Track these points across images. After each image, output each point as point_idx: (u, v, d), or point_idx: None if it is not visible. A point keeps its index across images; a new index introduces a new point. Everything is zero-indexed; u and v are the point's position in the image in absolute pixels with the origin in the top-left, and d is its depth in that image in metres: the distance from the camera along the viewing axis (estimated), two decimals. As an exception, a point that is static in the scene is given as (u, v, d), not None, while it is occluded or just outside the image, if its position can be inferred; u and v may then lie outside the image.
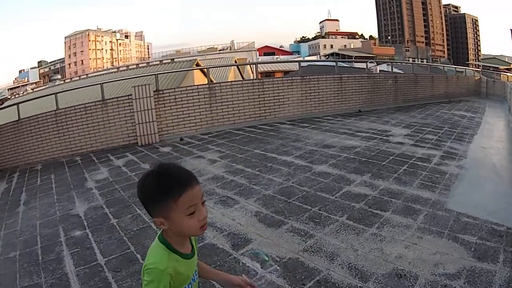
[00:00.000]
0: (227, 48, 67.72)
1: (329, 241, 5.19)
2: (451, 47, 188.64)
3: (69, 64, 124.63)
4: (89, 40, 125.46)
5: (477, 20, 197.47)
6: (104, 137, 12.14)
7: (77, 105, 12.31)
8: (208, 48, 70.12)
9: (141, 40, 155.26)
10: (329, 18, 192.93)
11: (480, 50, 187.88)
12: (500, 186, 7.81)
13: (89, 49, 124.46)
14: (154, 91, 12.32)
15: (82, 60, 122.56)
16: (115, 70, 40.38)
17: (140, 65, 41.36)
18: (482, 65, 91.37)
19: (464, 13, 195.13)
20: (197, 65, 27.18)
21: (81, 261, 5.14)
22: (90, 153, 11.90)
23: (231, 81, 16.30)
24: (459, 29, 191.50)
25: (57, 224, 6.59)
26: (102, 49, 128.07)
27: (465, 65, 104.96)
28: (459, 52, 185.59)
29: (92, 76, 37.57)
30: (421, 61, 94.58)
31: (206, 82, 14.00)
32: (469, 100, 24.50)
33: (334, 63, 19.44)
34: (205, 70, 17.48)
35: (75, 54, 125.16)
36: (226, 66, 36.74)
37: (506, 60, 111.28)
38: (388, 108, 18.05)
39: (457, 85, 26.07)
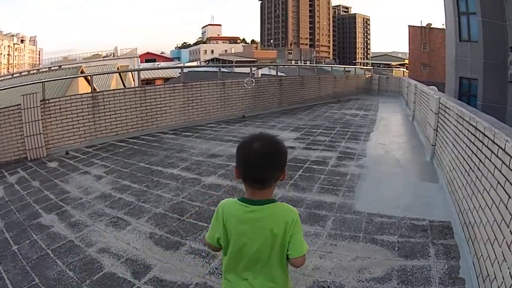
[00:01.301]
0: (110, 55, 66.85)
1: (235, 260, 4.78)
2: (337, 48, 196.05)
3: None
4: None
5: (368, 20, 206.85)
6: None
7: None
8: (93, 55, 69.06)
9: (34, 45, 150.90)
10: (212, 23, 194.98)
11: (369, 49, 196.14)
12: (408, 179, 7.88)
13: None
14: (41, 101, 11.49)
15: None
16: (10, 76, 38.78)
17: (31, 72, 39.84)
18: (371, 63, 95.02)
19: (355, 13, 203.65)
20: (82, 72, 26.35)
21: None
22: None
23: (113, 89, 15.57)
24: (348, 29, 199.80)
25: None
26: (1, 54, 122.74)
27: (353, 64, 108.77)
28: (345, 52, 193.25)
29: None
30: (304, 63, 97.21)
31: (90, 90, 13.27)
32: (359, 99, 25.26)
33: (217, 69, 19.31)
34: (89, 78, 16.80)
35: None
36: (109, 73, 36.02)
37: (400, 56, 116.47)
38: (273, 112, 18.03)
39: (346, 84, 26.79)
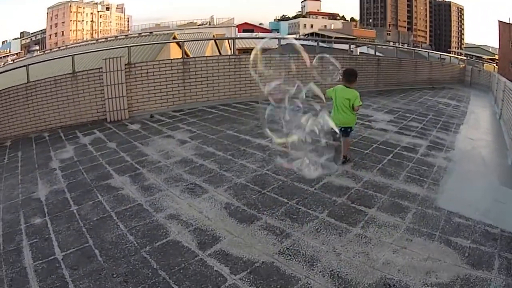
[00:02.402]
0: (206, 23, 67.16)
1: (308, 243, 4.68)
2: (434, 34, 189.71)
3: (50, 35, 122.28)
4: (71, 11, 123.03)
5: (462, 9, 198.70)
6: (73, 112, 11.44)
7: (47, 78, 11.50)
8: (187, 23, 69.65)
9: (122, 12, 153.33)
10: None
11: (463, 39, 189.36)
12: (491, 182, 7.41)
13: (70, 20, 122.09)
14: (125, 65, 11.65)
15: (62, 32, 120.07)
16: (94, 42, 39.53)
17: (119, 38, 40.38)
18: (465, 54, 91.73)
19: (450, 1, 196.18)
20: (174, 38, 26.33)
21: (39, 254, 4.62)
22: (59, 128, 11.23)
23: (206, 56, 15.65)
24: (443, 16, 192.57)
25: (19, 209, 6.04)
26: (83, 20, 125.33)
27: (447, 53, 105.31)
28: (441, 40, 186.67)
29: (70, 47, 36.63)
30: (402, 45, 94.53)
31: (181, 56, 13.37)
32: (452, 88, 24.19)
33: (315, 43, 18.99)
34: (181, 44, 16.89)
35: (56, 25, 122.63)
36: (203, 40, 35.73)
37: (490, 50, 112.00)
38: (369, 91, 17.56)
39: (441, 71, 25.80)
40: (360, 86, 16.85)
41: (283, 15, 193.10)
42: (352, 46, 22.64)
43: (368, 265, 4.24)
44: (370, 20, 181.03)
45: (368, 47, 29.56)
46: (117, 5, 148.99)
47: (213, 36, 42.42)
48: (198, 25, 64.50)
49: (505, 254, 4.62)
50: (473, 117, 14.29)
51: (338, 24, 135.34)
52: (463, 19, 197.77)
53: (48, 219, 5.48)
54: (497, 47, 61.62)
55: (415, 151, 8.71)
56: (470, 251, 4.63)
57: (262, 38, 42.54)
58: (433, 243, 4.77)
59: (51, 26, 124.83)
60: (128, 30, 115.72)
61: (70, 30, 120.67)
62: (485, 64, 46.40)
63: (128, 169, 7.24)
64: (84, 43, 41.09)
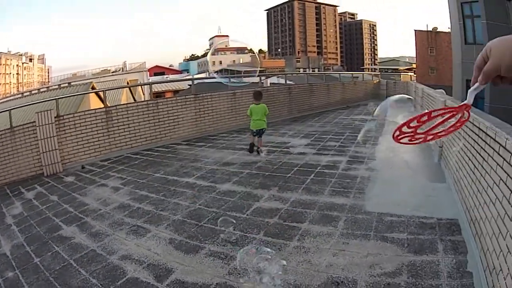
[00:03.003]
0: (119, 70, 67.11)
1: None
2: (345, 54, 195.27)
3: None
4: (0, 64, 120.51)
5: (375, 25, 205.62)
6: (14, 168, 11.17)
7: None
8: (102, 70, 69.45)
9: (43, 63, 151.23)
10: (219, 34, 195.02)
11: (377, 54, 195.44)
12: (417, 180, 7.99)
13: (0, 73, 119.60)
14: (55, 117, 11.68)
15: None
16: (20, 95, 38.93)
17: (41, 90, 40.10)
18: (379, 68, 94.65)
19: (361, 20, 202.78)
20: (93, 88, 26.44)
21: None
22: (4, 185, 11.13)
23: (126, 104, 15.77)
24: (355, 35, 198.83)
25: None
26: (10, 73, 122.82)
27: (361, 70, 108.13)
28: (353, 58, 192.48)
29: (1, 102, 35.95)
30: (312, 70, 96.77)
31: (103, 106, 13.44)
32: (367, 104, 25.25)
33: (226, 80, 19.41)
34: (101, 93, 16.97)
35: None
36: (120, 88, 36.01)
37: (407, 60, 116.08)
38: (283, 120, 18.20)
39: (354, 90, 26.95)
40: (273, 116, 17.43)
41: (192, 55, 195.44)
42: (262, 78, 23.17)
43: (313, 269, 4.62)
44: (279, 50, 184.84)
45: (278, 77, 30.33)
46: (38, 56, 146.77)
47: (127, 82, 42.66)
48: (112, 72, 64.39)
49: (447, 238, 5.17)
50: (392, 127, 14.87)
51: (247, 58, 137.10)
52: (375, 34, 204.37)
53: (18, 272, 5.53)
54: (415, 56, 64.17)
55: (336, 167, 9.31)
56: (409, 241, 5.13)
57: (175, 80, 43.19)
58: (370, 241, 5.22)
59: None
60: (49, 81, 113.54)
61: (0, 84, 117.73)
62: (402, 75, 48.17)
63: (74, 219, 7.37)
64: (11, 98, 40.40)
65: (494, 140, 4.35)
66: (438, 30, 59.22)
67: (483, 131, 5.00)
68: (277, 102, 18.73)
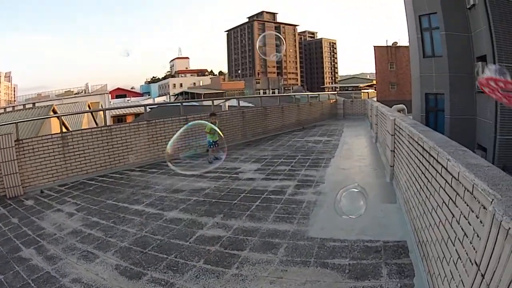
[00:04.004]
0: (82, 91, 67.77)
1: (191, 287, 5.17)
2: (305, 73, 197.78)
3: None
4: None
5: (335, 43, 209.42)
6: None
7: None
8: (65, 92, 70.36)
9: (9, 81, 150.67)
10: (180, 56, 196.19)
11: (337, 72, 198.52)
12: (368, 202, 7.92)
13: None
14: (15, 141, 11.67)
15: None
16: None
17: (7, 110, 40.57)
18: (340, 87, 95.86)
19: (321, 38, 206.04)
20: (54, 111, 26.85)
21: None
22: None
23: (81, 129, 15.69)
24: (315, 54, 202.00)
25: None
26: None
27: (321, 89, 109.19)
28: (313, 77, 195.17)
29: None
30: (272, 92, 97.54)
31: (59, 131, 13.44)
32: (324, 124, 25.59)
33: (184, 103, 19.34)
34: (59, 118, 16.92)
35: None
36: (78, 113, 36.63)
37: (368, 77, 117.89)
38: (237, 145, 18.19)
39: (310, 111, 27.10)
40: (227, 140, 17.31)
41: (153, 77, 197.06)
42: (221, 101, 23.29)
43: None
44: (239, 71, 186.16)
45: (237, 99, 30.53)
46: (5, 73, 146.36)
47: (88, 105, 43.20)
48: (75, 94, 65.07)
49: (393, 261, 5.18)
50: (346, 148, 15.23)
51: (207, 80, 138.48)
52: (335, 53, 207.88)
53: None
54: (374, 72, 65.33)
55: (283, 192, 9.37)
56: (350, 267, 5.12)
57: (131, 106, 43.32)
58: (309, 268, 5.20)
59: None
60: (15, 100, 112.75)
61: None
62: (362, 92, 48.82)
63: (32, 242, 7.65)
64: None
65: (437, 161, 4.36)
66: (398, 45, 60.38)
67: (426, 150, 5.02)
68: (231, 127, 18.75)
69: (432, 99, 22.10)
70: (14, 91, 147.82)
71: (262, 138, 19.99)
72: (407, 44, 35.45)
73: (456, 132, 18.44)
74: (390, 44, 61.67)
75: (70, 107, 42.48)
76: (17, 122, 12.65)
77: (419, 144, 5.66)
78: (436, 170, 4.38)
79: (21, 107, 41.86)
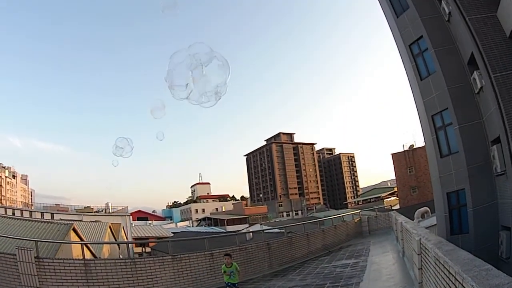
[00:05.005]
0: (102, 210, 68.25)
1: None
2: (327, 190, 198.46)
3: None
4: None
5: (353, 157, 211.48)
6: None
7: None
8: (85, 207, 70.95)
9: (26, 184, 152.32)
10: (200, 181, 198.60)
11: (358, 185, 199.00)
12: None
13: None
14: (35, 257, 11.84)
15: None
16: (3, 211, 39.26)
17: (24, 213, 41.52)
18: (362, 200, 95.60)
19: (339, 154, 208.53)
20: (74, 229, 26.83)
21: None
22: None
23: (104, 260, 15.81)
24: (334, 170, 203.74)
25: None
26: None
27: (344, 206, 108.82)
28: (335, 194, 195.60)
29: None
30: (295, 213, 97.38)
31: (82, 256, 13.71)
32: (350, 245, 25.27)
33: (208, 229, 19.38)
34: (83, 244, 16.97)
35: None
36: (103, 243, 36.49)
37: (389, 184, 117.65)
38: (264, 276, 17.90)
39: (335, 234, 26.87)
40: (253, 272, 17.23)
41: (175, 201, 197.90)
42: (245, 226, 23.36)
43: None
44: (261, 195, 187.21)
45: (260, 224, 30.53)
46: (21, 175, 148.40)
47: (109, 226, 43.35)
48: (95, 212, 65.39)
49: None
50: (374, 268, 14.90)
51: (229, 205, 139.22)
52: (355, 166, 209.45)
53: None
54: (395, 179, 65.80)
55: None
56: None
57: (156, 237, 43.39)
58: None
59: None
60: (32, 205, 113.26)
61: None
62: (384, 201, 48.80)
63: None
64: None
65: (463, 285, 4.41)
66: (414, 147, 61.07)
67: (452, 275, 5.06)
68: (256, 259, 18.56)
69: (454, 196, 21.69)
70: (31, 196, 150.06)
71: (289, 267, 19.64)
72: (423, 143, 35.74)
73: (479, 222, 18.10)
74: (407, 147, 62.46)
75: (91, 226, 42.68)
76: (37, 240, 12.90)
77: (445, 267, 5.64)
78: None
79: (39, 214, 42.85)
